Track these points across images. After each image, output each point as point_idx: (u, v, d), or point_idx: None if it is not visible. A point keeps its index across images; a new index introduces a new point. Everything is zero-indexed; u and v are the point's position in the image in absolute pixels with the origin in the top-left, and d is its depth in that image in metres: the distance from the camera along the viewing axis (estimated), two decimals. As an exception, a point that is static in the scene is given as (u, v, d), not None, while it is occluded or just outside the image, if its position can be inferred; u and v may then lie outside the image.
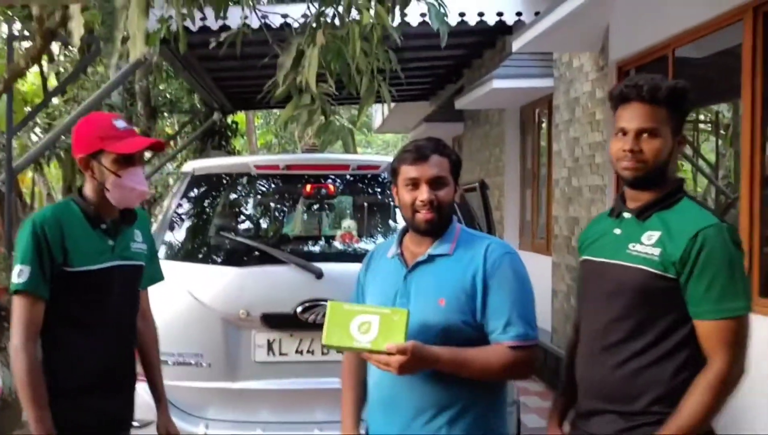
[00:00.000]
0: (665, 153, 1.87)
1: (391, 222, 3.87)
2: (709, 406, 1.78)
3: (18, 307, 2.11)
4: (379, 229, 3.90)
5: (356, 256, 3.40)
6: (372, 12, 3.39)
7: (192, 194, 3.59)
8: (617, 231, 1.96)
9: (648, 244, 1.86)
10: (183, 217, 3.56)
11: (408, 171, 2.07)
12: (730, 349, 1.78)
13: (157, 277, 2.56)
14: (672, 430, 1.78)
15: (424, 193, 2.03)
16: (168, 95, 10.67)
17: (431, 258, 2.07)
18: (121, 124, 2.22)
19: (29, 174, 14.65)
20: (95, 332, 2.22)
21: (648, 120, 1.86)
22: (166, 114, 10.97)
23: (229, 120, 13.02)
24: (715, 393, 1.78)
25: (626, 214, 1.95)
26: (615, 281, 1.91)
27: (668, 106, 1.87)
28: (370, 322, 1.91)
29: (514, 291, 2.00)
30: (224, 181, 3.76)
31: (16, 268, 2.10)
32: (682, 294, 1.82)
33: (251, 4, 3.96)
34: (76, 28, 2.41)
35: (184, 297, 3.22)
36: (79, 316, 2.20)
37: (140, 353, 2.50)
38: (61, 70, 10.61)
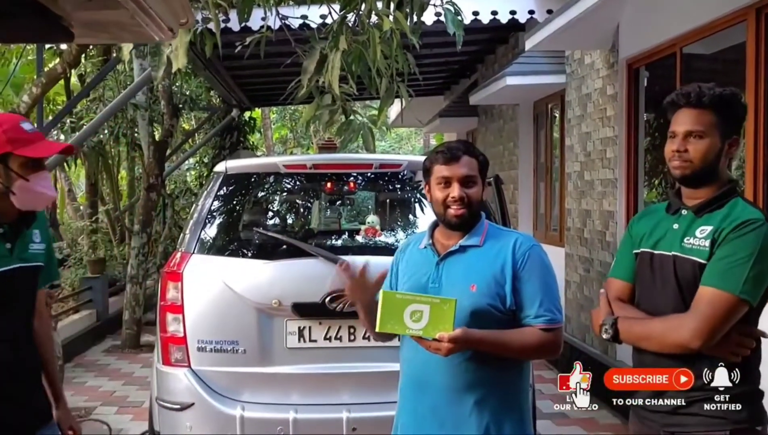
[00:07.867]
0: (712, 154, 2.02)
1: (411, 217, 4.06)
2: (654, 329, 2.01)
3: None
4: (400, 223, 4.09)
5: (379, 250, 3.57)
6: (391, 18, 3.58)
7: (225, 192, 3.79)
8: (675, 226, 2.10)
9: (701, 237, 2.00)
10: (217, 213, 3.76)
11: (441, 170, 2.25)
12: (705, 313, 1.91)
13: (54, 276, 2.46)
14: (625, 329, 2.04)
15: (455, 191, 2.21)
16: (187, 93, 10.91)
17: (463, 248, 2.25)
18: (28, 126, 2.14)
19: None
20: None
21: (694, 123, 2.03)
22: (185, 111, 11.21)
23: (246, 116, 13.26)
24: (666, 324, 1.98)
25: (684, 211, 2.09)
26: (670, 271, 2.06)
27: (715, 110, 2.02)
28: (422, 311, 2.08)
29: (542, 280, 2.21)
30: (255, 180, 3.96)
31: None
32: None
33: (272, 5, 4.15)
34: (126, 44, 2.62)
35: (221, 288, 3.42)
36: None
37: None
38: (83, 72, 10.85)
